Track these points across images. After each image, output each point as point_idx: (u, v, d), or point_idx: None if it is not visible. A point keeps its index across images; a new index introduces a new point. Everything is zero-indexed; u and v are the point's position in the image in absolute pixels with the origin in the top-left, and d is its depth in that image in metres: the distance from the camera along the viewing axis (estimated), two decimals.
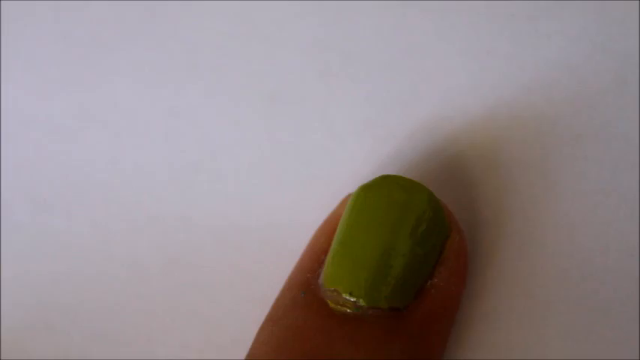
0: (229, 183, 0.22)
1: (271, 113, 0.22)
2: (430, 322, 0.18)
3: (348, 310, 0.18)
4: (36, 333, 0.22)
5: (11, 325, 0.23)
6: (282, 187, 0.22)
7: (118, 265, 0.22)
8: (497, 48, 0.21)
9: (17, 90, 0.23)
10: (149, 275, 0.22)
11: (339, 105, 0.22)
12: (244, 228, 0.22)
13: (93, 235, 0.22)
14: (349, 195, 0.20)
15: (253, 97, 0.22)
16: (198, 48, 0.22)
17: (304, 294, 0.19)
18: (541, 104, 0.21)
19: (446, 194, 0.21)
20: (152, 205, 0.22)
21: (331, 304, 0.18)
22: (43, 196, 0.23)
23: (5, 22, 0.23)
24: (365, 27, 0.22)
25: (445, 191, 0.21)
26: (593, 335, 0.20)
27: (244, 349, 0.22)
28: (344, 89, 0.22)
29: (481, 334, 0.20)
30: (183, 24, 0.22)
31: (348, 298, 0.18)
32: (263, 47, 0.22)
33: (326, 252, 0.19)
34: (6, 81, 0.23)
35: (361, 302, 0.18)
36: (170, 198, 0.22)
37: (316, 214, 0.22)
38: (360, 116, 0.22)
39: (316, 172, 0.22)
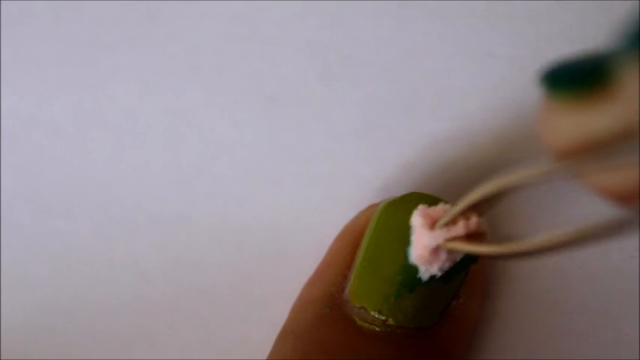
0: (229, 184, 0.22)
1: (271, 114, 0.22)
2: (454, 340, 0.19)
3: (377, 329, 0.18)
4: (36, 333, 0.22)
5: (11, 326, 0.23)
6: (282, 188, 0.22)
7: (118, 266, 0.22)
8: (497, 49, 0.21)
9: (17, 91, 0.23)
10: (149, 275, 0.22)
11: (339, 106, 0.22)
12: (244, 228, 0.22)
13: (93, 236, 0.22)
14: (371, 206, 0.20)
15: (253, 99, 0.22)
16: (198, 49, 0.22)
17: (329, 309, 0.19)
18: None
19: (445, 194, 0.21)
20: (152, 205, 0.22)
21: (359, 322, 0.18)
22: (43, 197, 0.23)
23: (5, 22, 0.23)
24: (365, 28, 0.22)
25: (445, 191, 0.21)
26: (593, 335, 0.21)
27: (244, 349, 0.22)
28: (344, 90, 0.22)
29: (482, 334, 0.20)
30: (183, 25, 0.22)
31: (377, 316, 0.18)
32: (263, 49, 0.22)
33: (349, 266, 0.19)
34: (6, 82, 0.23)
35: (390, 321, 0.18)
36: (170, 199, 0.22)
37: (316, 214, 0.22)
38: (360, 117, 0.22)
39: (316, 173, 0.22)
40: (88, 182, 0.23)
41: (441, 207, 0.17)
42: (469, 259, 0.19)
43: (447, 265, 0.17)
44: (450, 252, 0.17)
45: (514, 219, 0.21)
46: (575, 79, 0.11)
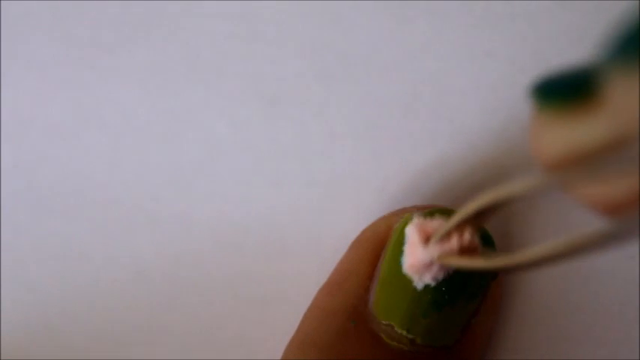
0: (229, 184, 0.22)
1: (271, 114, 0.22)
2: (472, 355, 0.19)
3: (405, 348, 0.18)
4: (36, 333, 0.22)
5: (11, 326, 0.23)
6: (282, 188, 0.22)
7: (118, 266, 0.22)
8: (497, 49, 0.21)
9: (17, 91, 0.23)
10: (149, 275, 0.22)
11: (339, 106, 0.22)
12: (244, 228, 0.22)
13: (93, 236, 0.22)
14: (392, 214, 0.20)
15: (253, 99, 0.22)
16: (198, 50, 0.22)
17: (354, 323, 0.19)
18: None
19: (445, 194, 0.21)
20: (152, 205, 0.22)
21: (385, 339, 0.18)
22: (43, 197, 0.23)
23: (5, 22, 0.23)
24: (365, 28, 0.22)
25: (445, 191, 0.21)
26: (593, 335, 0.21)
27: (244, 349, 0.22)
28: (343, 91, 0.22)
29: None
30: (183, 25, 0.22)
31: (404, 334, 0.18)
32: (263, 49, 0.22)
33: (370, 276, 0.19)
34: (6, 82, 0.23)
35: (418, 340, 0.18)
36: (170, 199, 0.22)
37: (316, 214, 0.22)
38: (360, 117, 0.22)
39: (316, 173, 0.22)
40: (88, 182, 0.23)
41: (436, 221, 0.18)
42: (490, 277, 0.19)
43: (439, 276, 0.17)
44: (443, 266, 0.17)
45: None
46: (563, 91, 0.11)
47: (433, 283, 0.18)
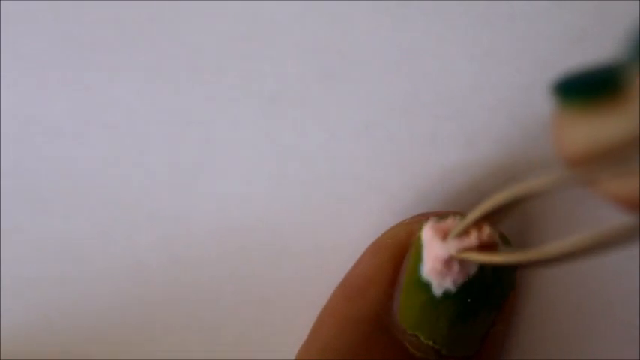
0: (229, 184, 0.22)
1: (271, 114, 0.22)
2: None
3: (431, 359, 0.18)
4: (36, 333, 0.22)
5: (11, 326, 0.23)
6: (282, 188, 0.22)
7: (118, 266, 0.22)
8: (497, 49, 0.21)
9: (17, 91, 0.23)
10: (149, 275, 0.22)
11: (339, 106, 0.22)
12: (244, 228, 0.22)
13: (93, 236, 0.22)
14: (413, 220, 0.20)
15: (253, 99, 0.22)
16: (198, 49, 0.22)
17: (380, 332, 0.18)
18: (541, 105, 0.21)
19: (445, 194, 0.21)
20: (152, 205, 0.22)
21: (411, 349, 0.18)
22: (43, 197, 0.23)
23: (5, 22, 0.23)
24: (365, 28, 0.22)
25: (445, 191, 0.21)
26: (593, 335, 0.21)
27: (244, 349, 0.22)
28: (344, 91, 0.22)
29: None
30: (183, 25, 0.22)
31: (431, 345, 0.18)
32: (263, 49, 0.22)
33: (392, 283, 0.19)
34: (6, 82, 0.23)
35: (443, 351, 0.18)
36: (170, 199, 0.22)
37: (316, 214, 0.22)
38: (360, 117, 0.22)
39: (316, 173, 0.22)
40: (88, 182, 0.23)
41: (450, 220, 0.18)
42: (510, 286, 0.19)
43: (459, 279, 0.17)
44: (463, 264, 0.17)
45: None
46: (587, 88, 0.11)
47: (453, 289, 0.17)
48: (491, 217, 0.16)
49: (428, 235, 0.17)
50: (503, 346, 0.20)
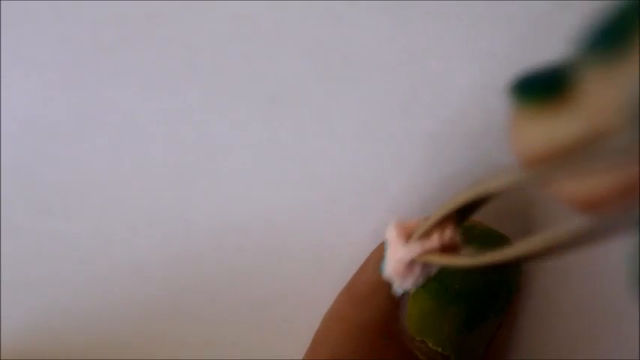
0: (229, 184, 0.22)
1: (271, 115, 0.22)
2: None
3: None
4: (36, 333, 0.22)
5: (11, 326, 0.23)
6: (282, 188, 0.22)
7: (118, 266, 0.22)
8: (497, 50, 0.21)
9: (17, 91, 0.23)
10: (149, 275, 0.22)
11: (339, 107, 0.22)
12: (244, 228, 0.22)
13: (93, 236, 0.22)
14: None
15: (253, 99, 0.22)
16: (198, 50, 0.22)
17: (387, 340, 0.18)
18: None
19: (445, 194, 0.21)
20: (152, 205, 0.22)
21: (420, 357, 0.18)
22: (43, 197, 0.23)
23: (5, 22, 0.23)
24: (365, 29, 0.22)
25: (444, 191, 0.21)
26: (593, 335, 0.21)
27: (244, 349, 0.22)
28: (344, 91, 0.22)
29: None
30: (183, 25, 0.22)
31: (439, 351, 0.18)
32: (263, 49, 0.22)
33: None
34: (6, 82, 0.23)
35: (452, 358, 0.18)
36: (170, 199, 0.22)
37: (316, 214, 0.22)
38: (360, 117, 0.22)
39: (316, 173, 0.22)
40: (88, 182, 0.23)
41: (415, 220, 0.17)
42: (515, 290, 0.19)
43: (420, 280, 0.17)
44: (425, 266, 0.17)
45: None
46: (539, 87, 0.11)
47: (414, 289, 0.17)
48: (455, 218, 0.15)
49: (392, 234, 0.17)
50: (507, 348, 0.20)
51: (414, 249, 0.16)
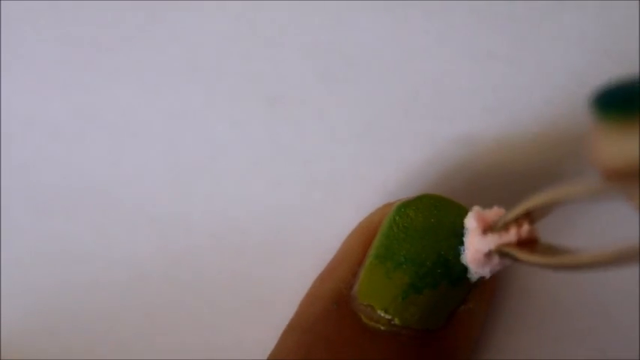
0: (229, 184, 0.22)
1: (272, 115, 0.22)
2: (459, 343, 0.19)
3: (382, 328, 0.18)
4: (36, 334, 0.22)
5: (11, 326, 0.23)
6: (282, 188, 0.22)
7: (118, 266, 0.22)
8: (497, 50, 0.21)
9: (17, 91, 0.23)
10: (149, 276, 0.22)
11: (339, 107, 0.22)
12: (244, 229, 0.22)
13: (93, 237, 0.22)
14: (387, 205, 0.20)
15: (254, 99, 0.22)
16: (198, 50, 0.22)
17: (337, 305, 0.19)
18: (541, 106, 0.21)
19: (445, 194, 0.21)
20: (152, 206, 0.22)
21: (364, 319, 0.18)
22: (43, 198, 0.23)
23: (5, 22, 0.23)
24: (365, 29, 0.22)
25: (444, 191, 0.21)
26: (593, 335, 0.21)
27: (244, 349, 0.22)
28: (344, 91, 0.22)
29: (481, 335, 0.20)
30: (183, 25, 0.22)
31: (382, 315, 0.18)
32: (264, 49, 0.22)
33: (360, 263, 0.19)
34: (6, 82, 0.23)
35: (396, 321, 0.18)
36: (170, 199, 0.22)
37: (316, 215, 0.22)
38: (360, 118, 0.22)
39: (316, 174, 0.22)
40: (88, 183, 0.23)
41: (495, 211, 0.18)
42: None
43: (497, 269, 0.18)
44: (502, 257, 0.17)
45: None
46: (625, 103, 0.11)
47: (489, 276, 0.18)
48: (530, 215, 0.16)
49: (471, 224, 0.18)
50: (477, 326, 0.20)
51: (491, 241, 0.17)
